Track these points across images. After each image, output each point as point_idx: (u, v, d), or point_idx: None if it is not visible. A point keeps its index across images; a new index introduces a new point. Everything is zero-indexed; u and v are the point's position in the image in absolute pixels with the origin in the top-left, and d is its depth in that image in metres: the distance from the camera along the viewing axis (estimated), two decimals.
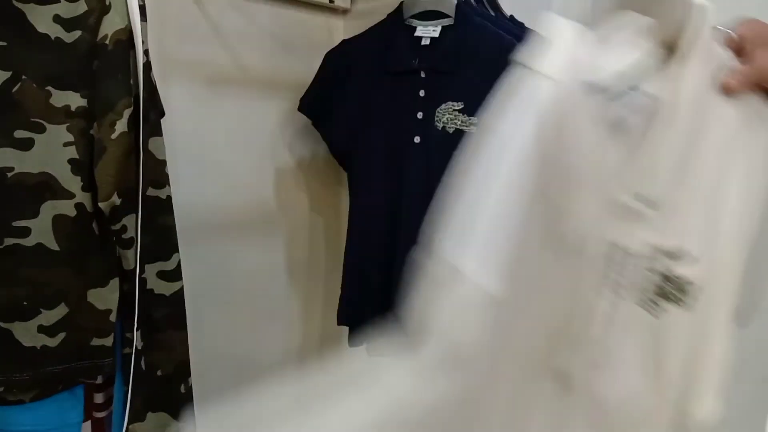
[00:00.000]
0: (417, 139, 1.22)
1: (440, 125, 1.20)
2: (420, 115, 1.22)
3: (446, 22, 1.22)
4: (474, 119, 1.17)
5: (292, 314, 1.47)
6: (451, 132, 1.19)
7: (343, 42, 1.35)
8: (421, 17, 1.25)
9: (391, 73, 1.25)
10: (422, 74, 1.22)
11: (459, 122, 1.18)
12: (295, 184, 1.44)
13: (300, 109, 1.35)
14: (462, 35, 1.19)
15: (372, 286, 1.28)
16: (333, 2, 1.45)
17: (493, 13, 1.26)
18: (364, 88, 1.29)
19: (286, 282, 1.44)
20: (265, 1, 1.33)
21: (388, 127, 1.26)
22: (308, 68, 1.42)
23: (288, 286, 1.45)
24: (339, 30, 1.49)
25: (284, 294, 1.44)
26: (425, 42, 1.23)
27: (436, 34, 1.22)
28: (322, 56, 1.36)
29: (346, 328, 1.32)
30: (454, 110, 1.18)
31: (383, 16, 1.29)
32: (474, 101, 1.15)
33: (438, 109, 1.19)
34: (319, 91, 1.34)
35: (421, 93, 1.22)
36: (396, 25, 1.26)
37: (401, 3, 1.27)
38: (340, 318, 1.32)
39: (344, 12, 1.49)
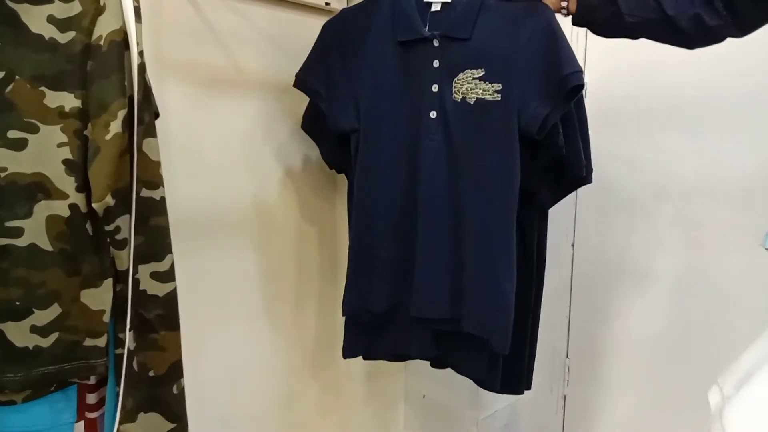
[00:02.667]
0: (433, 114, 1.13)
1: (459, 96, 1.11)
2: (435, 87, 1.13)
3: None
4: (497, 86, 1.09)
5: (286, 316, 1.46)
6: (472, 103, 1.10)
7: (344, 10, 1.27)
8: None
9: (400, 43, 1.16)
10: (435, 42, 1.13)
11: (481, 91, 1.10)
12: (290, 186, 1.44)
13: (297, 84, 1.25)
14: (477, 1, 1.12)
15: (384, 275, 1.21)
16: (329, 4, 1.45)
17: None
18: (369, 59, 1.19)
19: (280, 283, 1.44)
20: (260, 3, 1.34)
21: (399, 102, 1.17)
22: None
23: (283, 287, 1.45)
24: None
25: (279, 295, 1.44)
26: (435, 8, 1.15)
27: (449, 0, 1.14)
28: None
29: (341, 331, 1.32)
30: (474, 78, 1.10)
31: None
32: (495, 66, 1.09)
33: (456, 79, 1.11)
34: (319, 64, 1.23)
35: (435, 63, 1.13)
36: None
37: None
38: (345, 308, 1.25)
39: None
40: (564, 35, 1.08)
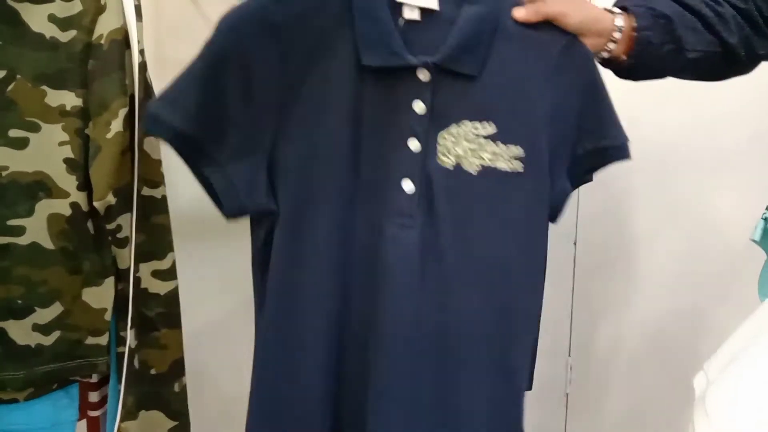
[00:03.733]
0: (408, 187, 0.71)
1: (450, 161, 0.72)
2: (414, 145, 0.71)
3: None
4: (518, 150, 0.73)
5: None
6: (474, 173, 0.72)
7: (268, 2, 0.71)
8: None
9: (364, 69, 0.70)
10: (421, 76, 0.70)
11: (489, 156, 0.72)
12: None
13: (150, 125, 0.71)
14: (493, 12, 0.72)
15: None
16: None
17: None
18: (300, 89, 0.71)
19: None
20: None
21: (350, 165, 0.72)
22: None
23: None
24: None
25: None
26: (411, 15, 0.71)
27: (436, 6, 0.70)
28: None
29: None
30: (478, 135, 0.72)
31: None
32: (514, 121, 0.73)
33: (445, 131, 0.72)
34: (201, 92, 0.70)
35: (418, 108, 0.71)
36: None
37: None
38: None
39: None
40: (605, 87, 0.80)
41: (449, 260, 0.72)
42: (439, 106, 0.71)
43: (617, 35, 0.78)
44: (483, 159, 0.72)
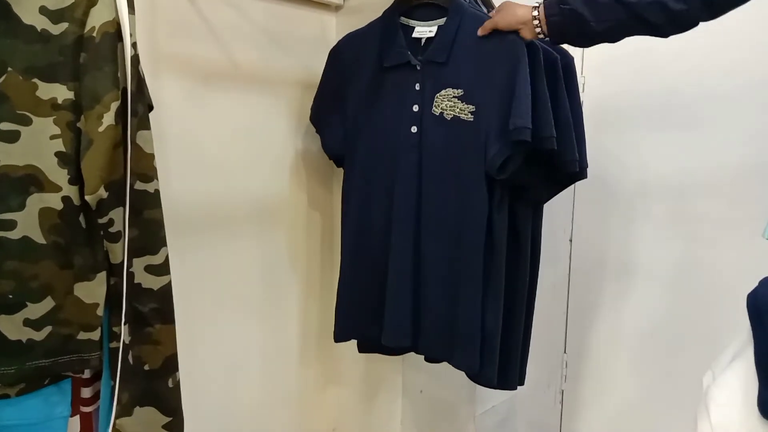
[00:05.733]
0: (413, 129, 1.22)
1: (438, 111, 1.20)
2: (416, 107, 1.22)
3: (442, 21, 1.22)
4: (471, 107, 1.16)
5: (282, 309, 1.46)
6: (449, 119, 1.19)
7: (345, 37, 1.35)
8: (417, 13, 1.26)
9: (387, 68, 1.25)
10: (417, 67, 1.22)
11: (458, 109, 1.18)
12: (286, 179, 1.43)
13: (311, 118, 1.39)
14: (454, 27, 1.20)
15: (368, 292, 1.27)
16: None
17: (485, 10, 1.26)
18: (357, 84, 1.30)
19: (277, 277, 1.44)
20: None
21: (383, 123, 1.26)
22: (300, 64, 1.42)
23: (279, 280, 1.44)
24: (331, 26, 1.49)
25: (275, 289, 1.44)
26: (423, 42, 1.24)
27: (432, 34, 1.23)
28: (314, 52, 1.36)
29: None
30: (454, 96, 1.18)
31: (376, 13, 1.28)
32: (472, 89, 1.17)
33: (438, 94, 1.19)
34: (321, 93, 1.36)
35: (417, 86, 1.22)
36: (393, 23, 1.26)
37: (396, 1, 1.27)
38: (337, 334, 1.32)
39: (337, 8, 1.48)
40: (526, 79, 1.13)
41: (427, 172, 1.22)
42: (428, 84, 1.22)
43: (536, 22, 1.10)
44: (455, 111, 1.19)
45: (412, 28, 1.25)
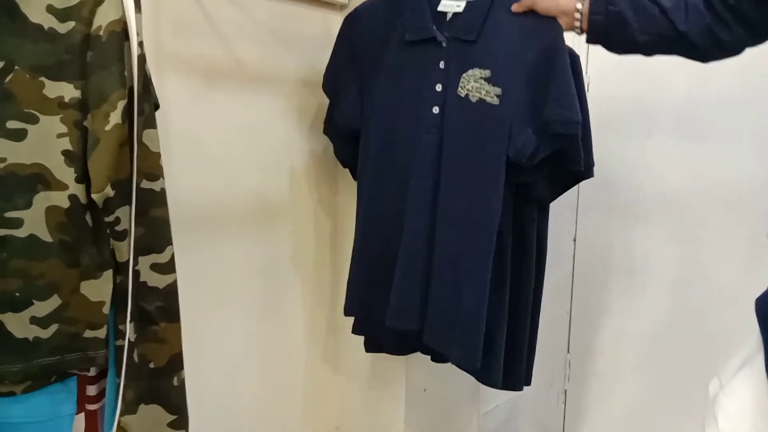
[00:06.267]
0: (435, 110, 1.16)
1: (463, 92, 1.13)
2: (439, 87, 1.16)
3: None
4: (498, 90, 1.11)
5: (287, 308, 1.46)
6: (474, 101, 1.13)
7: (361, 5, 1.29)
8: None
9: (408, 42, 1.19)
10: (443, 44, 1.16)
11: (484, 91, 1.12)
12: (291, 178, 1.44)
13: (323, 87, 1.33)
14: (487, 2, 1.13)
15: (378, 271, 1.24)
16: None
17: None
18: (377, 57, 1.23)
19: (281, 276, 1.44)
20: None
21: (402, 101, 1.20)
22: (304, 63, 1.42)
23: (283, 280, 1.45)
24: (336, 25, 1.48)
25: (280, 288, 1.44)
26: (449, 17, 1.18)
27: (461, 10, 1.15)
28: (318, 52, 1.36)
29: (342, 325, 1.31)
30: (481, 77, 1.12)
31: None
32: (500, 70, 1.11)
33: (464, 74, 1.13)
34: (334, 63, 1.30)
35: (441, 64, 1.16)
36: None
37: None
38: (347, 308, 1.30)
39: (341, 7, 1.48)
40: (567, 67, 1.07)
41: (447, 156, 1.16)
42: (454, 62, 1.15)
43: (577, 15, 1.05)
44: (480, 93, 1.12)
45: (438, 1, 1.18)
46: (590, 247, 1.90)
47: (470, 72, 1.13)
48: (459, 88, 1.14)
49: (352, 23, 1.28)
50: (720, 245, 1.61)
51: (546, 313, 1.34)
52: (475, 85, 1.12)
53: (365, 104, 1.25)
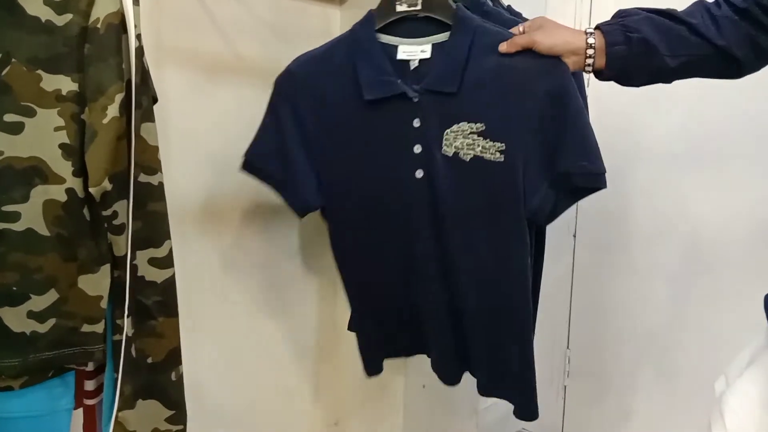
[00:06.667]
0: (419, 174, 1.01)
1: (450, 150, 0.98)
2: (418, 148, 1.01)
3: (439, 38, 0.99)
4: (500, 145, 0.95)
5: (285, 304, 1.46)
6: (467, 160, 0.97)
7: (295, 66, 1.09)
8: (400, 29, 1.02)
9: (370, 102, 1.01)
10: (414, 99, 0.99)
11: (479, 148, 0.96)
12: None
13: (245, 167, 1.11)
14: (465, 46, 0.97)
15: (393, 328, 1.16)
16: None
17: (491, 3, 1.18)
18: (330, 125, 1.06)
19: (280, 271, 1.43)
20: None
21: (377, 170, 1.05)
22: None
23: (282, 275, 1.44)
24: (336, 20, 1.48)
25: (278, 284, 1.43)
26: (413, 65, 1.01)
27: (427, 55, 1.00)
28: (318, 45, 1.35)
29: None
30: (471, 133, 0.97)
31: None
32: (498, 122, 0.96)
33: (448, 130, 0.98)
34: (271, 139, 1.09)
35: (416, 123, 1.00)
36: (369, 42, 1.02)
37: (369, 12, 1.05)
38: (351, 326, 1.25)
39: (341, 2, 1.48)
40: (581, 110, 0.93)
41: (450, 218, 1.02)
42: (435, 116, 0.99)
43: (591, 52, 0.92)
44: (475, 150, 0.97)
45: (396, 48, 1.01)
46: (590, 243, 1.90)
47: (455, 127, 0.97)
48: (444, 147, 0.99)
49: (288, 85, 1.07)
50: (722, 240, 1.61)
51: (545, 309, 1.34)
52: (465, 141, 0.97)
53: (325, 182, 1.08)
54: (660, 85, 0.98)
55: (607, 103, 1.67)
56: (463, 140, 0.97)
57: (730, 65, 0.91)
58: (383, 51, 1.01)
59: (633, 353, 1.81)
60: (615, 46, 0.91)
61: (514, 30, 0.98)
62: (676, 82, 0.98)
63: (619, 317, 1.83)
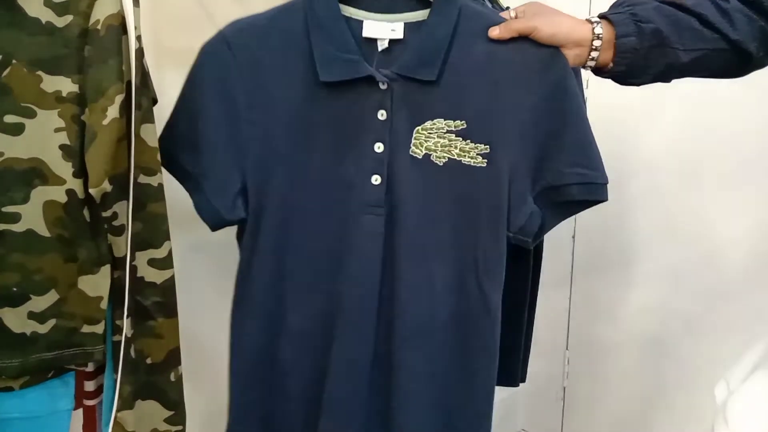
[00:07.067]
0: (376, 180, 0.82)
1: (420, 151, 0.81)
2: (379, 147, 0.82)
3: (414, 16, 0.81)
4: (483, 147, 0.81)
5: None
6: (440, 164, 0.82)
7: (230, 30, 0.87)
8: (369, 1, 0.82)
9: (326, 84, 0.81)
10: (382, 85, 0.81)
11: (457, 150, 0.81)
12: None
13: (162, 162, 0.84)
14: (448, 26, 0.81)
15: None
16: None
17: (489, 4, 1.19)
18: (270, 111, 0.84)
19: None
20: None
21: (322, 171, 0.84)
22: None
23: None
24: None
25: None
26: (382, 46, 0.83)
27: (399, 35, 0.81)
28: None
29: None
30: (449, 131, 0.81)
31: None
32: (481, 120, 0.81)
33: (419, 127, 0.81)
34: (187, 123, 0.87)
35: (381, 115, 0.81)
36: (329, 12, 0.81)
37: None
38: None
39: None
40: (581, 108, 0.81)
41: (401, 245, 0.83)
42: (406, 109, 0.81)
43: (597, 43, 0.80)
44: (450, 153, 0.81)
45: (361, 23, 0.82)
46: (589, 244, 1.90)
47: (428, 124, 0.81)
48: (413, 147, 0.81)
49: (217, 58, 0.85)
50: (723, 241, 1.61)
51: (545, 310, 1.34)
52: (440, 141, 0.80)
53: (253, 183, 0.85)
54: (659, 84, 0.96)
55: (607, 103, 1.68)
56: (437, 140, 0.81)
57: (740, 61, 0.84)
58: (347, 25, 0.81)
59: (633, 355, 1.81)
60: (625, 38, 0.79)
61: (504, 14, 0.84)
62: (676, 82, 0.96)
63: (618, 318, 1.83)
